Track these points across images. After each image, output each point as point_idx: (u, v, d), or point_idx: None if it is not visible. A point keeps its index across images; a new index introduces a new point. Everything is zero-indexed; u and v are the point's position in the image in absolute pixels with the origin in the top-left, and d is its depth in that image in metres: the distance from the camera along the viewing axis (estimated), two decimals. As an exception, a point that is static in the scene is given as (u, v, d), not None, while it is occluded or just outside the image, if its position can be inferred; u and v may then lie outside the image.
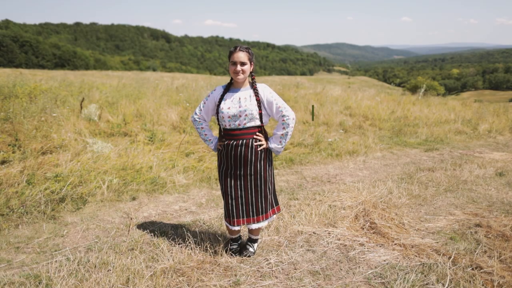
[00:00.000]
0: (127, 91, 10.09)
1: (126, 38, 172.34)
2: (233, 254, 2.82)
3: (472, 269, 2.65)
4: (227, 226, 2.82)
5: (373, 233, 3.25)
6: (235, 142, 2.56)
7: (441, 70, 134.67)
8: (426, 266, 2.68)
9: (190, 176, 4.76)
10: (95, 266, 2.56)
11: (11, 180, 3.83)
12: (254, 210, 2.67)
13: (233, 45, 2.57)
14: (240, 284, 2.45)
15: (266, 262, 2.73)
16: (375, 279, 2.55)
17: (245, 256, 2.79)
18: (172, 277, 2.48)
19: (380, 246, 3.01)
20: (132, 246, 2.91)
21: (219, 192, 4.32)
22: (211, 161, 5.38)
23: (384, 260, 2.79)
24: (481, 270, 2.62)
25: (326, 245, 3.03)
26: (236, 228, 2.70)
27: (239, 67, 2.47)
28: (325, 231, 3.25)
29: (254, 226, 2.69)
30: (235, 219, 2.66)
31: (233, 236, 2.91)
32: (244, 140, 2.56)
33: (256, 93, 2.56)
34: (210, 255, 2.78)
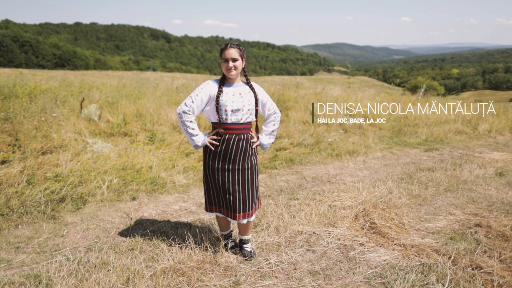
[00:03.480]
0: (127, 91, 10.09)
1: (126, 38, 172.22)
2: (232, 250, 2.86)
3: (472, 269, 2.65)
4: (218, 220, 2.89)
5: (373, 233, 3.25)
6: (237, 137, 2.57)
7: (441, 70, 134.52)
8: (426, 266, 2.68)
9: (190, 176, 4.77)
10: (95, 266, 2.56)
11: (11, 180, 3.83)
12: (249, 204, 2.70)
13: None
14: (240, 284, 2.45)
15: (266, 262, 2.73)
16: (375, 279, 2.55)
17: (247, 257, 2.79)
18: (172, 277, 2.49)
19: (380, 246, 3.01)
20: (132, 246, 2.91)
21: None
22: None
23: (384, 260, 2.79)
24: (481, 270, 2.62)
25: (326, 245, 3.03)
26: (234, 221, 2.74)
27: (231, 64, 2.50)
28: (325, 231, 3.25)
29: (244, 221, 2.72)
30: (233, 213, 2.68)
31: (225, 232, 2.95)
32: (245, 135, 2.61)
33: (254, 90, 2.65)
34: (210, 255, 2.78)
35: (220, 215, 2.79)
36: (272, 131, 2.80)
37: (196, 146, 2.61)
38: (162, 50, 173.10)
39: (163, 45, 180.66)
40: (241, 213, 2.68)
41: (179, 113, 2.55)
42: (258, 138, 2.76)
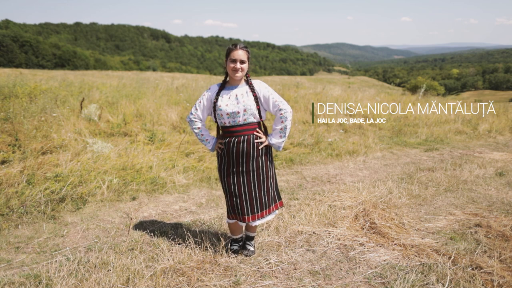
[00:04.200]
0: (127, 91, 10.08)
1: (126, 38, 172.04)
2: (234, 254, 2.83)
3: (472, 269, 2.65)
4: (229, 225, 2.83)
5: (373, 233, 3.25)
6: (236, 139, 2.57)
7: (441, 70, 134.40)
8: (426, 266, 2.68)
9: (190, 176, 4.76)
10: (95, 266, 2.56)
11: (11, 180, 3.83)
12: (258, 206, 2.66)
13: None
14: (240, 284, 2.45)
15: (266, 262, 2.73)
16: (375, 279, 2.55)
17: (246, 255, 2.80)
18: (172, 277, 2.49)
19: (380, 246, 3.01)
20: (132, 246, 2.91)
21: (219, 192, 4.33)
22: (211, 161, 5.38)
23: (384, 260, 2.79)
24: (481, 270, 2.62)
25: (326, 245, 3.03)
26: (244, 224, 2.72)
27: (239, 65, 2.50)
28: (325, 231, 3.25)
29: (257, 222, 2.69)
30: (243, 216, 2.65)
31: (235, 237, 2.89)
32: (246, 136, 2.58)
33: (252, 89, 2.61)
34: (210, 255, 2.78)
35: (233, 221, 2.76)
36: (281, 129, 2.63)
37: (211, 150, 2.76)
38: (162, 50, 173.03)
39: (163, 45, 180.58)
40: (250, 215, 2.65)
41: (188, 121, 2.74)
42: (266, 138, 2.67)
